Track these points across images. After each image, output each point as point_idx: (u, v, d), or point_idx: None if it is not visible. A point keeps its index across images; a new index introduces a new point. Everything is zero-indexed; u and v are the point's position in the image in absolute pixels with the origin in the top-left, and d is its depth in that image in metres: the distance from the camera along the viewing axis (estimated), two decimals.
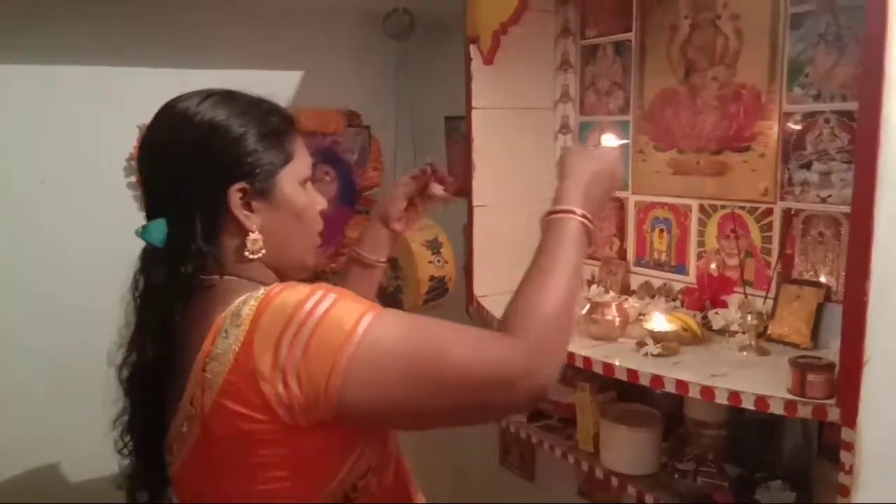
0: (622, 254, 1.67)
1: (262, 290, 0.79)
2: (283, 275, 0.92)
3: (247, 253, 0.87)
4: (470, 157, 1.70)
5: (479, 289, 1.74)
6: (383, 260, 1.25)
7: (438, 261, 1.73)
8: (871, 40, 0.94)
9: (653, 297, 1.57)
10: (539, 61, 1.78)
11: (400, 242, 1.73)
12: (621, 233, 1.67)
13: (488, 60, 1.62)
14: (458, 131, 1.97)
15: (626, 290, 1.63)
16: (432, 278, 1.71)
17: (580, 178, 0.94)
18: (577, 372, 1.48)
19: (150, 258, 0.88)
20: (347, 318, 0.75)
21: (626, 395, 1.53)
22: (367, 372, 0.74)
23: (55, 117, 1.49)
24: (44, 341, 1.50)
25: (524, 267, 1.88)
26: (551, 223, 0.91)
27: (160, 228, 0.86)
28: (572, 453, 1.52)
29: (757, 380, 1.13)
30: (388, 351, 0.75)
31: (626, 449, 1.41)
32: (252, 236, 0.87)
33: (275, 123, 0.90)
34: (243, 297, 0.79)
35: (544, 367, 0.78)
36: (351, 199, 2.08)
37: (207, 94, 0.88)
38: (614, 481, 1.41)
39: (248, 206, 0.87)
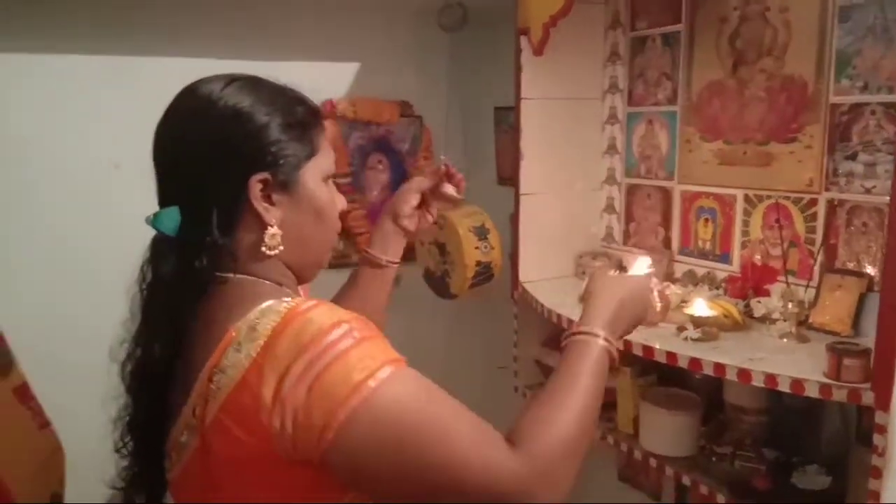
0: (667, 243, 1.70)
1: (284, 304, 0.75)
2: (299, 275, 0.89)
3: (264, 248, 0.82)
4: (518, 146, 1.75)
5: (524, 275, 1.79)
6: (395, 260, 1.18)
7: (485, 247, 1.79)
8: None
9: (696, 285, 1.60)
10: (588, 52, 1.82)
11: (448, 230, 1.81)
12: (666, 222, 1.70)
13: (538, 52, 1.66)
14: (506, 121, 2.02)
15: (669, 279, 1.66)
16: (478, 263, 1.77)
17: (608, 302, 0.91)
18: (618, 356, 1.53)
19: (161, 249, 0.82)
20: (361, 368, 0.70)
21: (666, 380, 1.56)
22: (361, 437, 0.69)
23: (131, 105, 1.59)
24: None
25: (568, 254, 1.94)
26: (575, 343, 0.86)
27: (173, 217, 0.81)
28: (612, 435, 1.56)
29: (794, 364, 1.16)
30: (389, 422, 0.70)
31: (665, 431, 1.45)
32: (271, 231, 0.82)
33: (301, 114, 0.85)
34: (263, 307, 0.76)
35: (543, 492, 0.73)
36: None
37: (231, 79, 0.84)
38: (653, 462, 1.45)
39: (268, 199, 0.82)
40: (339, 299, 1.16)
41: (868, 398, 1.05)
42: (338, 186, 2.07)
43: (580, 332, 0.86)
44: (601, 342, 0.85)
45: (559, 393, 0.80)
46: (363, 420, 0.68)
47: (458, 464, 0.70)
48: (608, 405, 1.61)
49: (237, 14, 1.84)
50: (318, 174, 0.86)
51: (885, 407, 1.02)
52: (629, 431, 1.54)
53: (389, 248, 1.16)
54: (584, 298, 0.95)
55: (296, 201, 0.84)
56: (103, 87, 1.71)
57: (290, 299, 0.77)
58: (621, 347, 0.91)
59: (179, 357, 0.80)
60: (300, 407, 0.69)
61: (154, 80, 1.55)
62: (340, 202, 0.91)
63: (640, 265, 1.04)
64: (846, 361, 1.07)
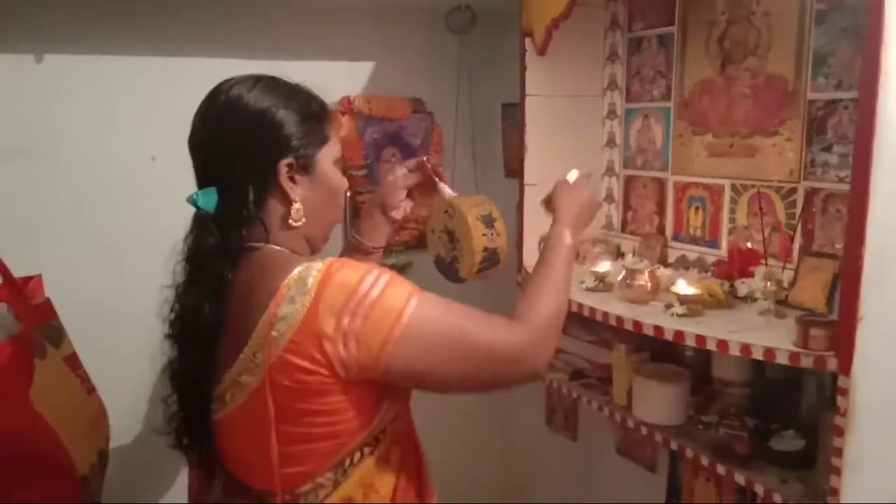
0: (661, 229, 1.82)
1: (320, 263, 0.91)
2: (312, 245, 1.06)
3: (291, 221, 0.99)
4: (523, 140, 1.87)
5: (528, 260, 1.92)
6: (381, 246, 1.37)
7: (492, 234, 1.91)
8: (869, 36, 1.07)
9: (687, 269, 1.72)
10: (589, 52, 1.94)
11: (457, 219, 1.93)
12: (661, 210, 1.82)
13: (541, 52, 1.78)
14: (513, 117, 2.14)
15: (663, 263, 1.78)
16: (485, 249, 1.89)
17: (569, 211, 1.21)
18: (613, 333, 1.65)
19: (203, 223, 0.98)
20: (399, 298, 0.91)
21: (658, 356, 1.69)
22: (414, 344, 0.91)
23: (165, 103, 1.73)
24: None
25: None
26: (552, 244, 1.16)
27: (213, 196, 0.96)
28: (608, 406, 1.69)
29: (769, 336, 1.28)
30: (431, 329, 0.92)
31: (656, 402, 1.58)
32: (296, 206, 0.99)
33: (314, 108, 1.02)
34: (303, 267, 0.91)
35: (542, 352, 1.01)
36: None
37: (256, 81, 1.00)
38: (644, 430, 1.58)
39: (292, 179, 0.99)
40: None
41: (832, 364, 1.17)
42: (354, 178, 2.22)
43: (555, 234, 1.17)
44: (568, 241, 1.16)
45: (543, 283, 1.08)
46: (412, 332, 0.90)
47: (487, 343, 0.96)
48: (605, 380, 1.75)
49: (263, 18, 1.97)
50: (330, 158, 1.04)
51: (847, 372, 1.14)
52: (623, 403, 1.66)
53: (376, 236, 1.36)
54: (551, 209, 1.24)
55: (314, 181, 1.02)
56: (140, 86, 1.85)
57: (320, 261, 0.93)
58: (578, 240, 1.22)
59: (227, 314, 0.94)
60: (361, 332, 0.88)
61: (186, 80, 1.69)
62: (346, 183, 1.10)
63: (572, 175, 1.35)
64: (813, 332, 1.20)
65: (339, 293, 0.89)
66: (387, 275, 0.93)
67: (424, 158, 1.36)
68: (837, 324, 1.16)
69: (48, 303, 1.50)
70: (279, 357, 0.89)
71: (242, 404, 0.94)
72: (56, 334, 1.48)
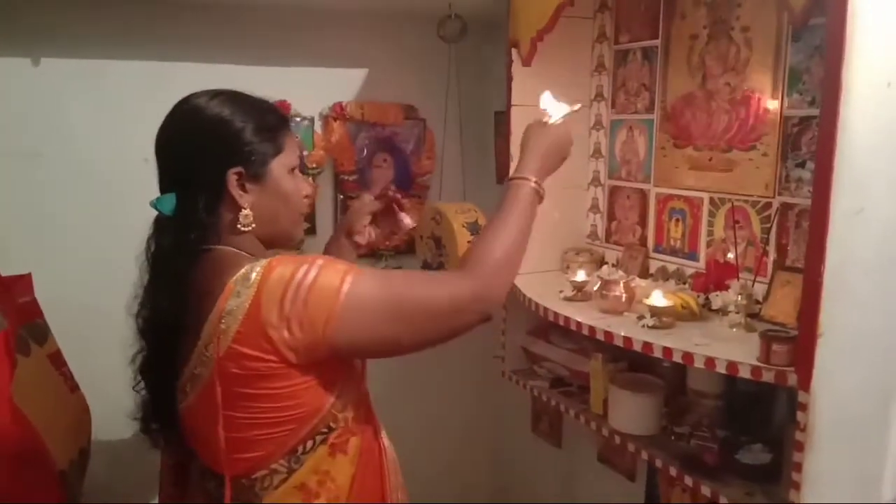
0: (643, 240, 1.84)
1: (264, 260, 0.97)
2: (271, 246, 1.11)
3: (239, 226, 1.04)
4: (508, 149, 1.90)
5: None
6: None
7: None
8: (830, 54, 1.09)
9: (667, 280, 1.74)
10: (577, 63, 1.96)
11: (444, 225, 1.96)
12: (643, 222, 1.84)
13: (526, 63, 1.80)
14: (505, 125, 2.16)
15: (644, 274, 1.80)
16: None
17: (537, 151, 1.17)
18: (592, 342, 1.67)
19: (162, 226, 1.05)
20: (335, 277, 0.95)
21: (636, 366, 1.70)
22: (354, 317, 0.95)
23: (158, 106, 1.77)
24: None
25: (554, 250, 2.08)
26: (510, 187, 1.13)
27: (170, 201, 1.03)
28: (584, 415, 1.71)
29: (734, 350, 1.29)
30: (369, 298, 0.96)
31: (630, 411, 1.59)
32: (244, 212, 1.04)
33: (270, 120, 1.08)
34: (249, 265, 0.97)
35: (489, 295, 1.02)
36: (406, 184, 2.30)
37: (216, 94, 1.06)
38: (617, 439, 1.59)
39: (242, 187, 1.04)
40: None
41: (792, 380, 1.18)
42: (345, 183, 2.24)
43: (515, 178, 1.13)
44: (531, 185, 1.13)
45: (496, 227, 1.08)
46: (351, 305, 0.95)
47: (425, 298, 0.99)
48: (585, 388, 1.77)
49: (256, 25, 2.01)
50: (283, 168, 1.09)
51: (806, 387, 1.15)
52: (599, 412, 1.68)
53: (343, 259, 1.33)
54: (520, 148, 1.19)
55: (265, 188, 1.07)
56: (134, 90, 1.89)
57: (266, 259, 0.98)
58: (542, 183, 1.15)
59: (185, 310, 1.00)
60: (303, 314, 0.93)
61: (180, 84, 1.73)
62: (305, 189, 1.14)
63: (557, 109, 1.23)
64: (774, 347, 1.21)
65: (279, 283, 0.94)
66: (320, 261, 0.97)
67: (391, 188, 1.41)
68: (798, 339, 1.17)
69: (34, 301, 1.54)
70: (228, 348, 0.94)
71: (199, 394, 0.99)
72: (41, 332, 1.52)
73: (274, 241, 1.12)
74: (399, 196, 1.38)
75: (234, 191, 1.03)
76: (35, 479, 1.34)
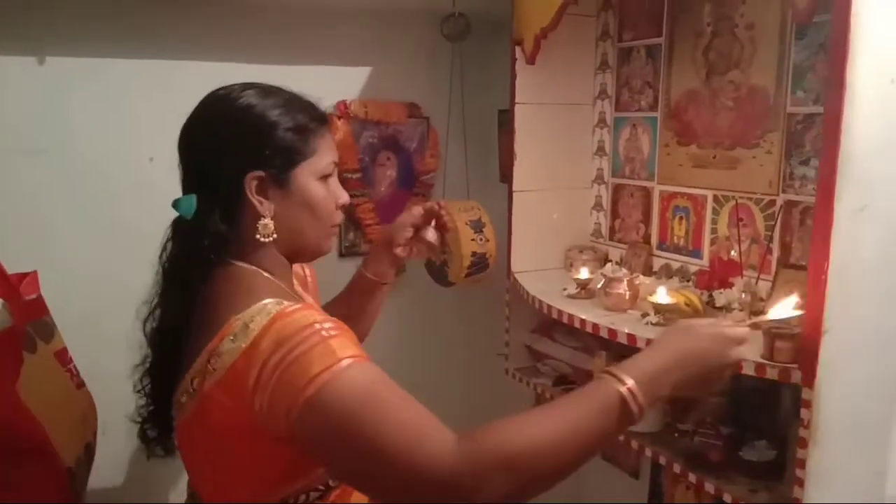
0: (647, 238, 1.84)
1: (277, 307, 0.85)
2: (294, 260, 1.03)
3: (258, 236, 0.94)
4: (512, 147, 1.90)
5: (516, 266, 1.94)
6: (387, 281, 1.32)
7: (481, 239, 1.93)
8: (834, 51, 1.09)
9: (670, 278, 1.74)
10: (580, 61, 1.96)
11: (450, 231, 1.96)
12: (647, 219, 1.84)
13: (530, 61, 1.81)
14: (509, 123, 2.16)
15: (648, 272, 1.80)
16: (474, 254, 1.92)
17: (662, 353, 0.90)
18: (596, 340, 1.67)
19: (179, 229, 0.98)
20: (320, 362, 0.79)
21: None
22: (314, 420, 0.79)
23: (164, 105, 1.76)
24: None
25: (558, 248, 2.09)
26: (596, 380, 0.88)
27: (191, 203, 0.94)
28: None
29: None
30: (335, 409, 0.78)
31: None
32: (263, 221, 0.94)
33: (302, 120, 0.97)
34: (259, 306, 0.87)
35: (474, 487, 0.74)
36: (409, 182, 2.30)
37: (246, 86, 0.97)
38: (621, 437, 1.59)
39: (263, 194, 0.94)
40: (335, 304, 1.33)
41: (796, 377, 1.18)
42: (348, 181, 2.25)
43: (608, 372, 0.87)
44: (622, 389, 0.83)
45: (544, 413, 0.83)
46: (316, 406, 0.78)
47: (389, 445, 0.76)
48: None
49: (260, 23, 2.01)
50: (313, 174, 0.98)
51: (810, 384, 1.15)
52: None
53: (382, 272, 1.31)
54: (652, 345, 0.94)
55: (289, 197, 0.97)
56: (140, 89, 1.90)
57: (282, 302, 0.88)
58: (653, 403, 0.85)
59: (190, 324, 0.95)
60: (272, 391, 0.80)
61: (183, 83, 1.74)
62: (341, 197, 1.04)
63: (784, 308, 0.99)
64: (778, 344, 1.21)
65: (272, 343, 0.82)
66: (329, 332, 0.83)
67: (439, 204, 1.32)
68: (802, 337, 1.17)
69: (40, 299, 1.54)
70: (210, 389, 0.86)
71: (183, 423, 0.94)
72: (47, 330, 1.52)
73: (298, 255, 1.03)
74: (442, 213, 1.31)
75: (254, 197, 0.94)
76: (42, 476, 1.34)
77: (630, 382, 0.83)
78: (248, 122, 0.95)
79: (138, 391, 1.04)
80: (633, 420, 0.83)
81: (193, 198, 0.95)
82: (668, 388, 0.87)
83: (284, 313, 0.85)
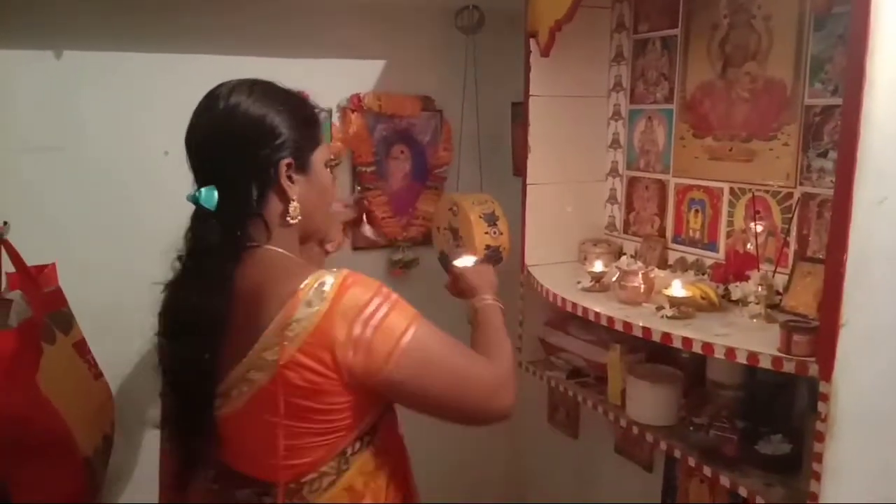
0: (661, 231, 1.83)
1: (332, 273, 0.97)
2: (302, 242, 1.09)
3: (288, 218, 1.02)
4: (526, 140, 1.89)
5: (529, 259, 1.94)
6: None
7: (494, 232, 1.94)
8: (854, 42, 1.08)
9: (686, 271, 1.73)
10: (595, 53, 1.95)
11: (461, 216, 1.96)
12: (662, 212, 1.83)
13: (544, 53, 1.80)
14: (522, 116, 2.16)
15: (663, 265, 1.79)
16: (488, 247, 1.92)
17: (486, 282, 1.37)
18: (610, 333, 1.67)
19: (204, 221, 0.99)
20: (404, 318, 0.98)
21: (654, 356, 1.70)
22: (414, 362, 0.98)
23: (178, 98, 1.78)
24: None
25: (572, 241, 2.07)
26: (486, 307, 1.29)
27: (213, 195, 0.98)
28: (602, 405, 1.71)
29: (755, 340, 1.29)
30: (430, 351, 1.00)
31: (648, 402, 1.59)
32: (294, 203, 1.02)
33: (308, 112, 1.07)
34: (318, 274, 0.96)
35: (509, 393, 1.09)
36: (422, 176, 2.31)
37: (251, 85, 1.03)
38: (635, 430, 1.60)
39: (290, 179, 1.02)
40: None
41: (813, 370, 1.17)
42: (362, 174, 2.26)
43: (484, 301, 1.30)
44: (499, 305, 1.31)
45: (492, 339, 1.19)
46: (414, 350, 0.97)
47: (472, 373, 1.04)
48: (602, 379, 1.77)
49: (274, 16, 2.01)
50: (322, 160, 1.09)
51: (828, 378, 1.15)
52: (617, 402, 1.68)
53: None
54: (469, 286, 1.38)
55: (309, 181, 1.06)
56: (155, 82, 1.91)
57: (331, 270, 0.99)
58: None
59: (228, 311, 0.97)
60: (371, 342, 0.95)
61: (200, 76, 1.74)
62: (334, 184, 1.15)
63: (467, 260, 1.52)
64: (795, 337, 1.20)
65: (353, 305, 0.95)
66: (394, 296, 1.00)
67: (361, 197, 1.48)
68: (819, 329, 1.16)
69: (59, 290, 1.56)
70: (292, 357, 0.93)
71: (250, 400, 0.97)
72: (66, 321, 1.54)
73: (307, 237, 1.11)
74: (364, 206, 1.49)
75: (285, 182, 1.02)
76: (61, 466, 1.36)
77: (490, 298, 1.32)
78: (273, 115, 1.01)
79: (163, 394, 1.05)
80: (505, 313, 1.31)
81: (214, 189, 0.99)
82: (498, 295, 1.35)
83: (351, 279, 0.98)
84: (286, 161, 1.02)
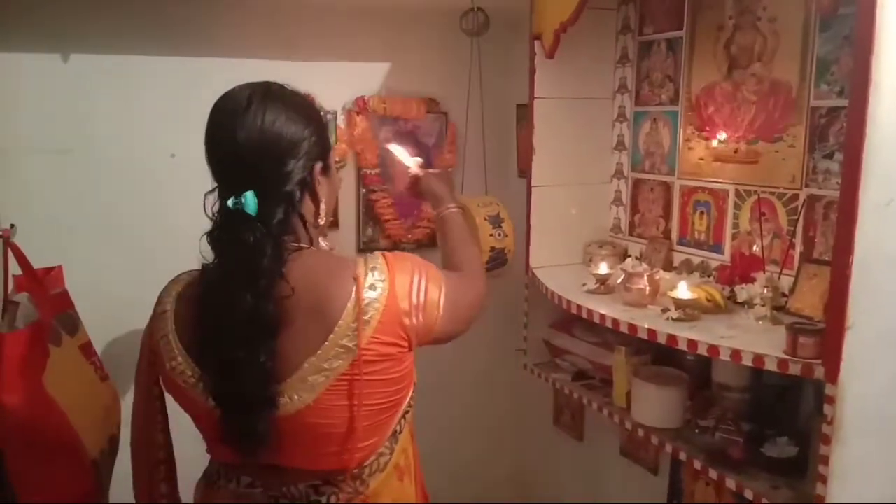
0: (667, 233, 1.83)
1: (374, 258, 1.05)
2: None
3: (320, 219, 1.08)
4: (531, 142, 1.89)
5: (534, 261, 1.94)
6: None
7: (499, 234, 1.94)
8: (860, 44, 1.08)
9: (691, 273, 1.72)
10: (600, 55, 1.95)
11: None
12: (667, 214, 1.83)
13: (549, 55, 1.80)
14: (527, 118, 2.16)
15: (668, 267, 1.79)
16: (493, 249, 1.92)
17: (443, 189, 1.42)
18: (615, 335, 1.67)
19: (242, 224, 0.97)
20: (437, 287, 1.08)
21: (660, 359, 1.70)
22: (449, 317, 1.09)
23: (185, 101, 1.79)
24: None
25: (577, 243, 2.07)
26: (450, 215, 1.37)
27: (254, 200, 0.97)
28: (607, 408, 1.70)
29: (760, 342, 1.28)
30: (456, 301, 1.11)
31: (653, 405, 1.59)
32: (324, 204, 1.08)
33: (322, 115, 1.13)
34: (363, 262, 1.03)
35: (485, 285, 1.25)
36: None
37: (277, 92, 1.04)
38: (641, 433, 1.59)
39: (318, 181, 1.06)
40: None
41: (819, 372, 1.17)
42: (367, 176, 2.26)
43: (448, 209, 1.37)
44: (459, 210, 1.38)
45: (465, 242, 1.32)
46: (449, 301, 1.09)
47: (479, 297, 1.21)
48: (607, 381, 1.76)
49: (280, 20, 2.02)
50: (333, 160, 1.15)
51: (834, 380, 1.14)
52: (622, 405, 1.68)
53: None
54: (433, 194, 1.43)
55: (329, 181, 1.11)
56: (161, 85, 1.92)
57: (371, 254, 1.07)
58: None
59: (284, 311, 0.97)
60: (425, 305, 1.05)
61: (205, 79, 1.75)
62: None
63: (404, 156, 1.56)
64: (801, 340, 1.20)
65: (406, 278, 1.04)
66: (423, 265, 1.09)
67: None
68: (825, 332, 1.16)
69: (66, 293, 1.57)
70: (370, 338, 0.99)
71: (325, 391, 0.98)
72: (72, 323, 1.55)
73: (317, 235, 1.12)
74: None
75: (318, 184, 1.07)
76: (68, 467, 1.37)
77: (454, 205, 1.38)
78: (305, 120, 1.04)
79: (212, 410, 1.00)
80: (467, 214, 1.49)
81: (254, 195, 0.97)
82: (456, 198, 1.43)
83: (390, 256, 1.07)
84: (319, 166, 1.07)
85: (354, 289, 1.00)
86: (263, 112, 1.00)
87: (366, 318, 0.99)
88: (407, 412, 1.12)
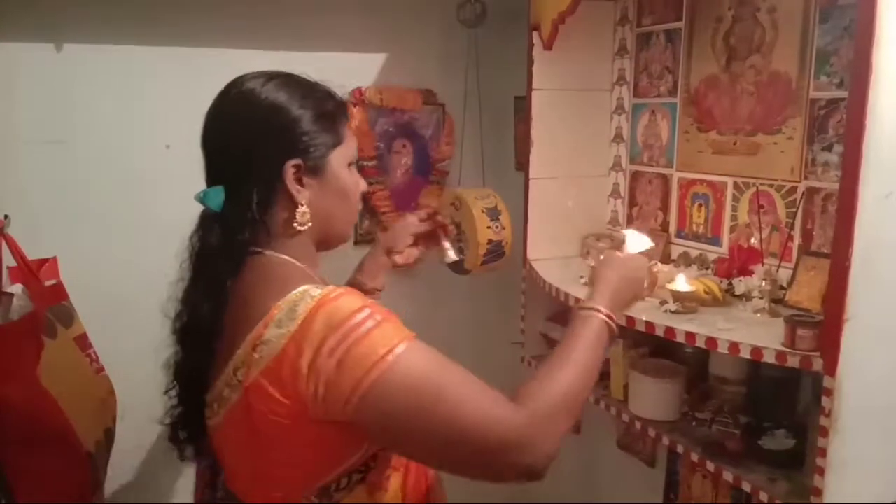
0: (665, 226, 1.82)
1: (318, 291, 0.86)
2: (321, 249, 1.02)
3: (295, 224, 0.94)
4: (529, 134, 1.89)
5: (532, 253, 1.94)
6: (380, 288, 1.35)
7: (497, 227, 1.93)
8: (860, 35, 1.07)
9: (689, 266, 1.72)
10: (598, 47, 1.94)
11: (463, 211, 1.95)
12: (665, 206, 1.82)
13: (547, 46, 1.79)
14: (525, 110, 2.15)
15: (666, 260, 1.78)
16: (490, 242, 1.91)
17: (611, 281, 1.05)
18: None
19: (208, 222, 0.95)
20: (382, 344, 0.81)
21: (657, 352, 1.69)
22: (383, 401, 0.81)
23: (180, 92, 1.78)
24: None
25: (574, 235, 2.08)
26: (579, 317, 0.99)
27: (219, 195, 0.93)
28: (605, 400, 1.70)
29: (759, 335, 1.28)
30: (405, 387, 0.81)
31: (650, 397, 1.58)
32: (301, 209, 0.94)
33: (330, 107, 0.98)
34: (300, 291, 0.87)
35: (541, 443, 0.84)
36: (425, 170, 2.30)
37: (270, 77, 0.96)
38: (638, 425, 1.59)
39: (300, 182, 0.94)
40: None
41: (818, 365, 1.16)
42: (364, 168, 2.26)
43: (584, 308, 1.00)
44: (601, 316, 0.98)
45: (559, 359, 0.93)
46: (384, 387, 0.81)
47: (464, 418, 0.81)
48: (603, 374, 1.76)
49: (276, 10, 2.00)
50: (343, 160, 1.00)
51: (832, 373, 1.14)
52: (620, 398, 1.67)
53: (378, 277, 1.35)
54: (592, 277, 1.09)
55: (323, 184, 0.97)
56: (156, 76, 1.90)
57: (321, 286, 0.89)
58: (622, 322, 1.04)
59: (224, 317, 0.93)
60: (331, 376, 0.81)
61: (200, 69, 1.74)
62: (362, 184, 1.05)
63: (639, 243, 1.19)
64: (800, 332, 1.19)
65: (324, 327, 0.83)
66: (380, 315, 0.85)
67: (433, 210, 1.38)
68: (823, 324, 1.16)
69: (60, 284, 1.56)
70: (256, 380, 0.85)
71: (226, 417, 0.92)
72: (67, 315, 1.54)
73: (326, 243, 1.03)
74: (446, 223, 1.36)
75: (292, 185, 0.94)
76: (62, 459, 1.36)
77: (605, 310, 1.00)
78: (281, 111, 0.94)
79: (167, 392, 1.01)
80: (614, 340, 1.02)
81: (221, 190, 0.94)
82: (622, 308, 1.06)
83: (329, 298, 0.85)
84: (294, 162, 0.94)
85: (264, 319, 0.86)
86: (232, 97, 0.96)
87: (256, 356, 0.85)
88: (362, 471, 0.92)
